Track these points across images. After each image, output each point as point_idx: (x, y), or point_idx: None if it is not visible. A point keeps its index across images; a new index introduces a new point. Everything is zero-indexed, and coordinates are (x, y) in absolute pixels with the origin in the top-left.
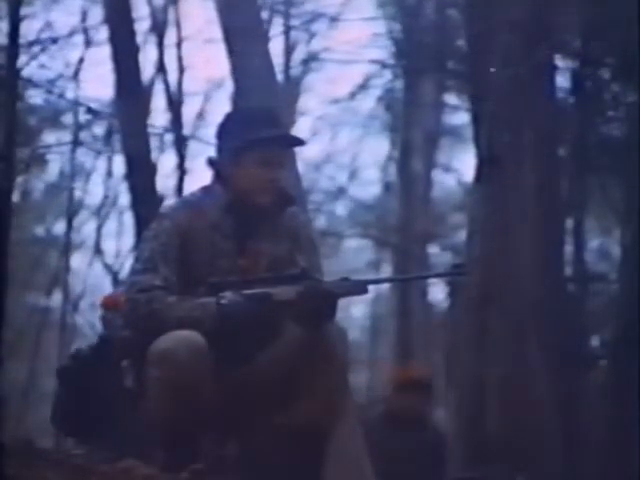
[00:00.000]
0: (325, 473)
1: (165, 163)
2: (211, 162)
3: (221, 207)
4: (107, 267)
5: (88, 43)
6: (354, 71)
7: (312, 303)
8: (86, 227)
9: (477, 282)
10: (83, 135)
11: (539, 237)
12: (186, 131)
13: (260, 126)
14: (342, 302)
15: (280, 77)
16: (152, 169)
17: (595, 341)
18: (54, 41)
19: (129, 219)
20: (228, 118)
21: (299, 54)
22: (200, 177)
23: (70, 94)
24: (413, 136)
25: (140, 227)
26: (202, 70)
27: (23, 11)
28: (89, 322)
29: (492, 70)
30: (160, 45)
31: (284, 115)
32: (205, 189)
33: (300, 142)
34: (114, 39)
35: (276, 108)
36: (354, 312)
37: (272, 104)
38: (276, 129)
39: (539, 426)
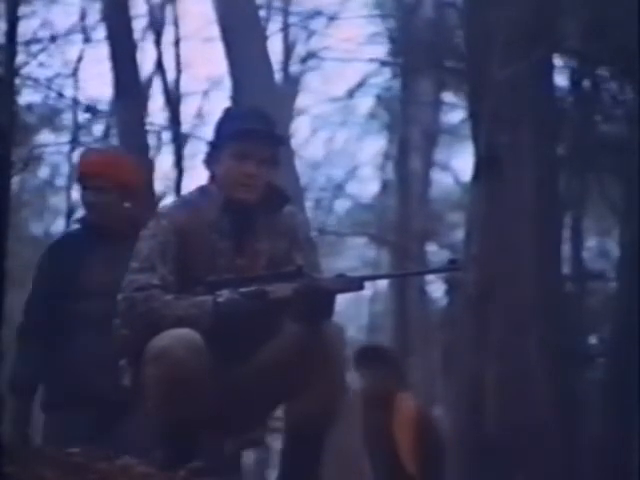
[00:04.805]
0: (323, 471)
1: (163, 161)
2: (207, 161)
3: (218, 206)
4: None
5: (86, 41)
6: (352, 69)
7: (308, 300)
8: None
9: (475, 280)
10: (81, 133)
11: (538, 236)
12: (184, 129)
13: (238, 121)
14: (339, 299)
15: (278, 75)
16: (150, 167)
17: (593, 339)
18: (52, 39)
19: None
20: (220, 117)
21: (297, 52)
22: (198, 176)
23: (68, 92)
24: (411, 134)
25: None
26: (200, 68)
27: (21, 10)
28: None
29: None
30: (158, 43)
31: (278, 113)
32: (203, 188)
33: (277, 138)
34: (112, 37)
35: (267, 107)
36: (351, 309)
37: (270, 102)
38: (253, 123)
39: (538, 424)
